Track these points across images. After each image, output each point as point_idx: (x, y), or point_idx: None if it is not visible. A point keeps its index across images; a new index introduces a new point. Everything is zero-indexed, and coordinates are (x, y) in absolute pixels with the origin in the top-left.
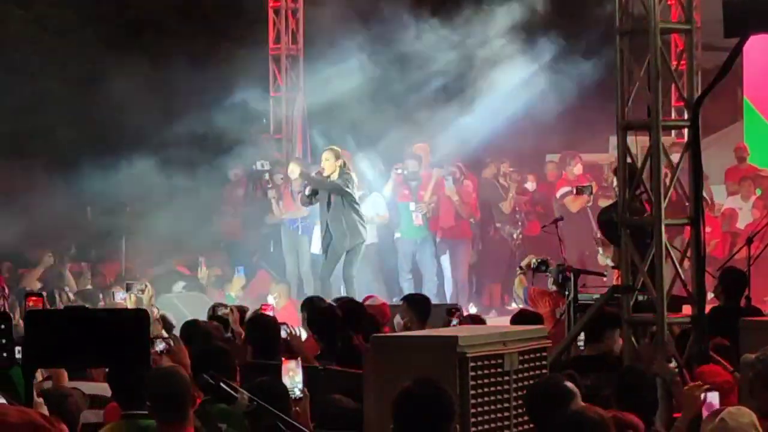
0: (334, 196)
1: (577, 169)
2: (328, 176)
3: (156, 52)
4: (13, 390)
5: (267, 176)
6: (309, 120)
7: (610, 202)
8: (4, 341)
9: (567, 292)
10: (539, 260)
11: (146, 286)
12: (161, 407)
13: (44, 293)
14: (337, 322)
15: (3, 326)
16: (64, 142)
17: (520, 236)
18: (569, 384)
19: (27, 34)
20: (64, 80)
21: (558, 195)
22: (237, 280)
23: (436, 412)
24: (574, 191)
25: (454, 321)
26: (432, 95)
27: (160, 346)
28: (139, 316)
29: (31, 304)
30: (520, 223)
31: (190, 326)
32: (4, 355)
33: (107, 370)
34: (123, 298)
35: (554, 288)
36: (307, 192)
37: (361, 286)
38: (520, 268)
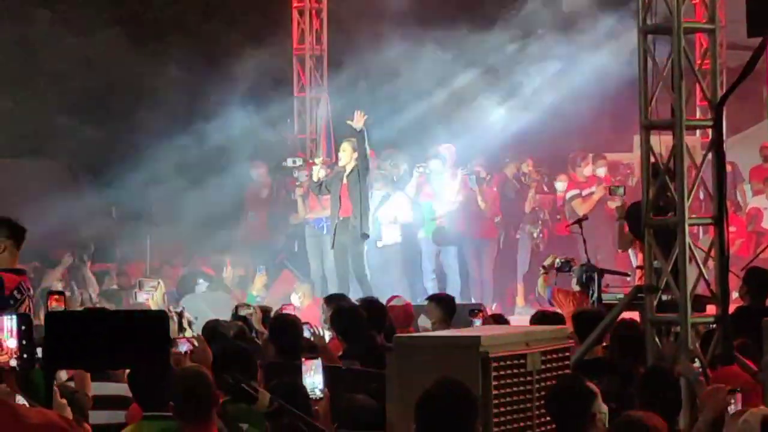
0: (347, 188)
1: (588, 170)
2: (343, 167)
3: (181, 52)
4: (34, 391)
5: (296, 173)
6: (333, 120)
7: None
8: (24, 342)
9: (591, 292)
10: (562, 260)
11: (158, 283)
12: (184, 407)
13: (66, 292)
14: (361, 322)
15: (23, 328)
16: (89, 142)
17: (540, 235)
18: (590, 384)
19: (52, 34)
20: (88, 80)
21: (567, 197)
22: (259, 278)
23: (459, 412)
24: (582, 193)
25: (477, 321)
26: (458, 93)
27: (183, 346)
28: (160, 316)
29: (54, 304)
30: (539, 222)
31: (212, 326)
32: (25, 356)
33: (127, 371)
34: (146, 298)
35: (578, 288)
36: (314, 178)
37: (385, 287)
38: (543, 267)
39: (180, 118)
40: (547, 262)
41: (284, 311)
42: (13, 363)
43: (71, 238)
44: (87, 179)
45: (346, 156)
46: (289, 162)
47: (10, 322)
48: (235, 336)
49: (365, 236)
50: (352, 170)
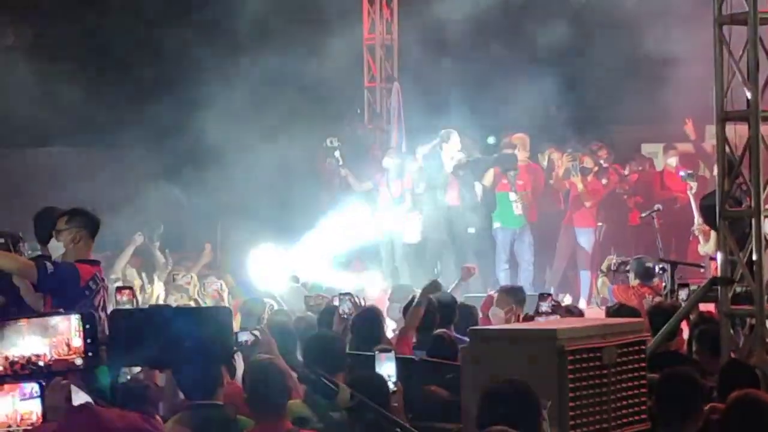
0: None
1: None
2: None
3: (250, 41)
4: (99, 390)
5: (338, 154)
6: (404, 110)
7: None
8: (89, 341)
9: (664, 285)
10: (619, 261)
11: (192, 277)
12: (256, 399)
13: (133, 286)
14: (435, 314)
15: (88, 326)
16: (160, 131)
17: (603, 227)
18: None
19: (124, 24)
20: (159, 70)
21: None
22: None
23: (519, 410)
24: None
25: (544, 305)
26: (529, 80)
27: (244, 337)
28: (223, 312)
29: (124, 298)
30: (602, 214)
31: (277, 316)
32: (90, 354)
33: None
34: (215, 289)
35: (636, 282)
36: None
37: (455, 277)
38: (601, 271)
39: (248, 107)
40: (604, 266)
41: (343, 301)
42: (79, 362)
43: (141, 227)
44: (158, 168)
45: (452, 147)
46: (328, 142)
47: (76, 321)
48: (305, 329)
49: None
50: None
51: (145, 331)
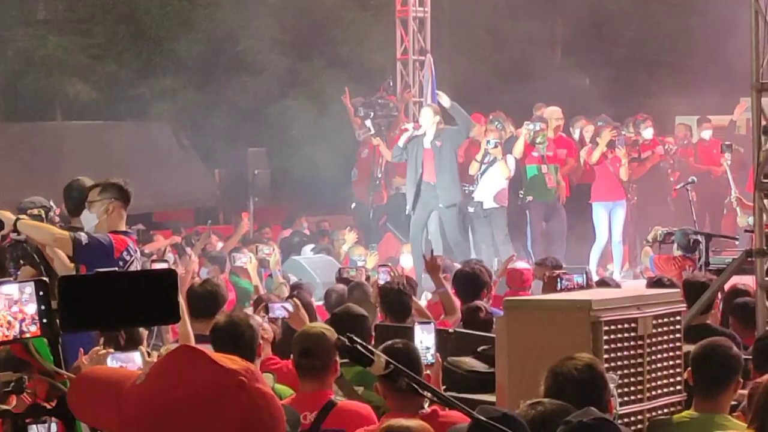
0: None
1: (648, 132)
2: (424, 132)
3: (283, 15)
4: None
5: (369, 123)
6: (438, 82)
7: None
8: (43, 308)
9: (699, 257)
10: (665, 232)
11: (273, 249)
12: (300, 364)
13: (168, 260)
14: (479, 285)
15: (41, 293)
16: (192, 105)
17: (635, 199)
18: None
19: None
20: (191, 43)
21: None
22: (350, 235)
23: (589, 387)
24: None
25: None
26: (562, 52)
27: (277, 312)
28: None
29: None
30: (633, 186)
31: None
32: (45, 321)
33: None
34: (243, 262)
35: (679, 252)
36: (400, 144)
37: (488, 249)
38: (647, 241)
39: (282, 80)
40: (650, 236)
41: (381, 272)
42: (33, 329)
43: (174, 201)
44: (190, 142)
45: (427, 121)
46: (361, 111)
47: (29, 288)
48: (336, 301)
49: (452, 206)
50: (435, 136)
51: (94, 296)
